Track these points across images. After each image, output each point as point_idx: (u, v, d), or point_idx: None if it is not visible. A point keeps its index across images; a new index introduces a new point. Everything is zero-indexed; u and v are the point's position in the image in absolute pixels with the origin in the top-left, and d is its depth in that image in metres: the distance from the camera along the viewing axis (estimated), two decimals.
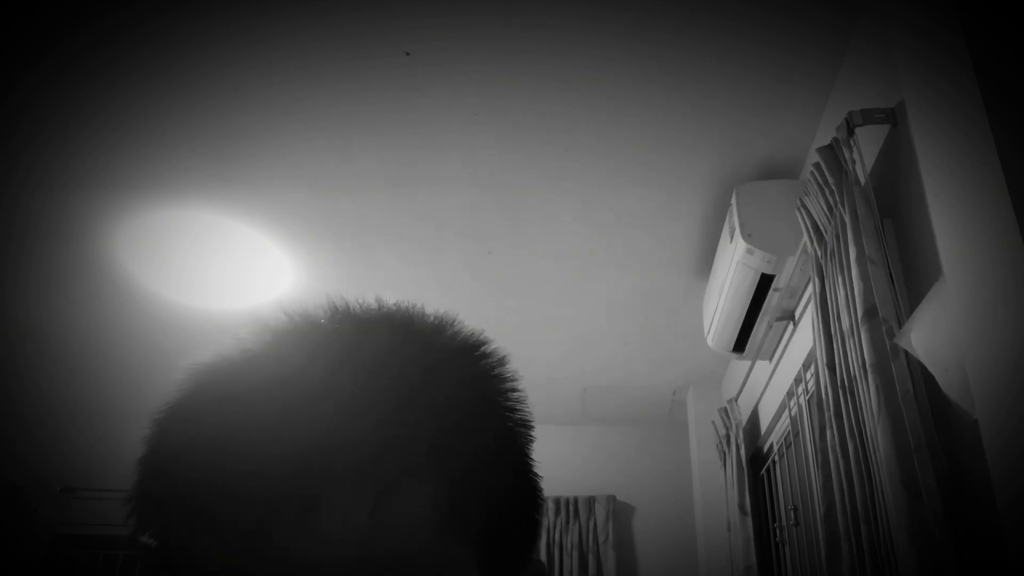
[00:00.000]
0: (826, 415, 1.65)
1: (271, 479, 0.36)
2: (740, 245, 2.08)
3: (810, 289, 1.93)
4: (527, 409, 0.45)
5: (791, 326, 2.43)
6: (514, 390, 0.45)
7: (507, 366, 0.45)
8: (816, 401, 1.72)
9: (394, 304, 0.44)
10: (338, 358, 0.40)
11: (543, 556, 3.74)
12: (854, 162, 1.59)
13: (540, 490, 0.47)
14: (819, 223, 1.74)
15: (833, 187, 1.63)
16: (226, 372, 0.40)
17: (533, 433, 0.46)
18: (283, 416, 0.37)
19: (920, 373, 1.37)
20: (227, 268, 2.74)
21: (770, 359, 2.71)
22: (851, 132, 1.59)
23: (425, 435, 0.38)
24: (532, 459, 0.46)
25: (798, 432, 2.48)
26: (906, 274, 1.52)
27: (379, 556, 0.36)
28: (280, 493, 0.36)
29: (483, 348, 0.44)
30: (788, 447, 2.66)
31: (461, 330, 0.45)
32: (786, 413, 2.60)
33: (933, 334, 1.26)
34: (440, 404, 0.40)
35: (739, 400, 3.13)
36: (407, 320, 0.44)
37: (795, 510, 2.56)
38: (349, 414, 0.37)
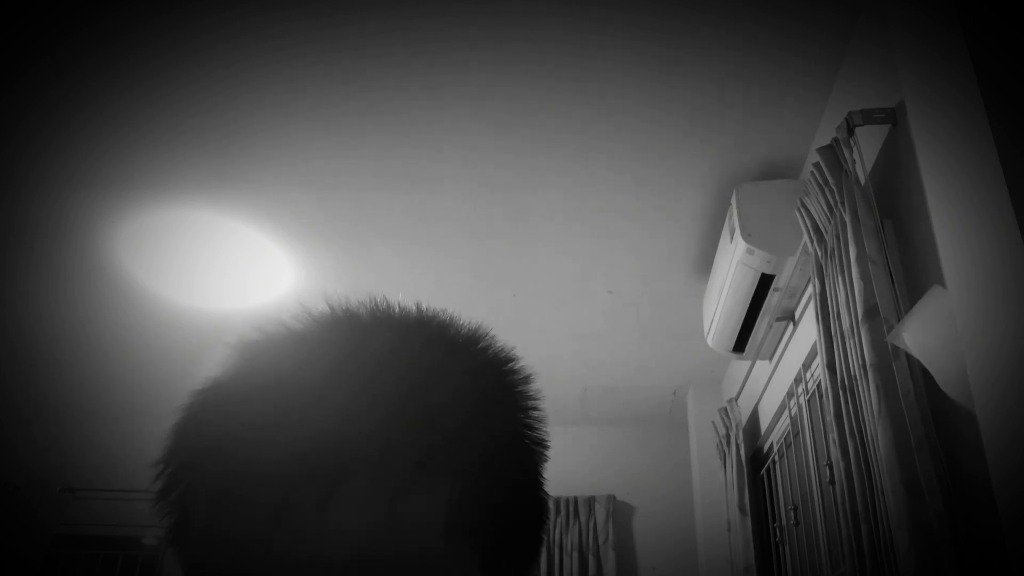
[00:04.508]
0: (826, 415, 1.65)
1: (284, 476, 0.35)
2: (740, 245, 2.08)
3: (810, 289, 1.93)
4: (543, 429, 0.45)
5: (791, 326, 2.43)
6: (535, 409, 0.45)
7: (531, 384, 0.45)
8: (816, 401, 1.72)
9: (431, 310, 0.45)
10: (369, 355, 0.40)
11: (543, 556, 3.74)
12: (854, 162, 1.59)
13: (547, 509, 0.47)
14: (819, 223, 1.74)
15: (833, 187, 1.63)
16: (252, 365, 0.41)
17: (547, 454, 0.46)
18: (300, 411, 0.37)
19: (920, 373, 1.37)
20: (227, 268, 2.74)
21: (770, 359, 2.71)
22: (851, 132, 1.59)
23: (442, 434, 0.38)
24: (543, 478, 0.46)
25: (798, 432, 2.48)
26: (906, 274, 1.52)
27: (388, 555, 0.35)
28: (293, 489, 0.35)
29: (510, 364, 0.45)
30: (788, 447, 2.66)
31: (493, 344, 0.45)
32: (786, 413, 2.60)
33: (932, 334, 1.26)
34: (458, 409, 0.40)
35: (739, 400, 3.13)
36: (442, 329, 0.44)
37: (795, 510, 2.56)
38: (368, 407, 0.37)
